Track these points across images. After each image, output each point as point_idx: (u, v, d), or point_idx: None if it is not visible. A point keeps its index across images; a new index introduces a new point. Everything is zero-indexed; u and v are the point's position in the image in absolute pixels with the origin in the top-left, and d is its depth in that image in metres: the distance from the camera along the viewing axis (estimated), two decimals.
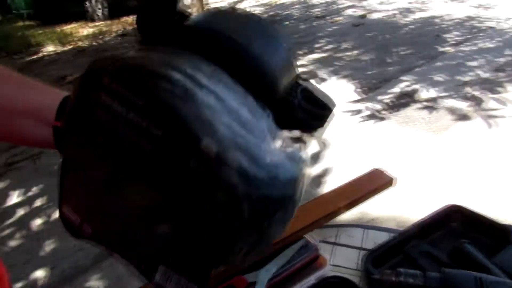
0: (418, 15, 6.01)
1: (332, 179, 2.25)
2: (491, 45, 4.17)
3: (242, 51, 0.29)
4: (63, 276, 1.86)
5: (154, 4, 0.31)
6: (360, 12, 6.13)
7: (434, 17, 5.88)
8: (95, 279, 1.80)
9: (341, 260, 0.78)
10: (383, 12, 6.07)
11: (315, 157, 2.48)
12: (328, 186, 2.19)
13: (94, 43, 6.46)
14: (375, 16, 5.91)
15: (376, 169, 0.88)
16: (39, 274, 1.90)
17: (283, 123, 0.30)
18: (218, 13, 0.32)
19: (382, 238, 0.83)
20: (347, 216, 0.85)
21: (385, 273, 0.65)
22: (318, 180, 2.27)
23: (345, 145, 2.58)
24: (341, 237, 0.84)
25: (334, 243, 0.83)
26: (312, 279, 0.70)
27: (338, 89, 3.47)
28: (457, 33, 4.93)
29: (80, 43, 6.57)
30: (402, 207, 1.81)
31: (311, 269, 0.72)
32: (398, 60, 4.09)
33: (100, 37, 6.86)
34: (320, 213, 0.77)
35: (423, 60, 4.02)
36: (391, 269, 0.67)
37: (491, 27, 4.79)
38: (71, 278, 1.85)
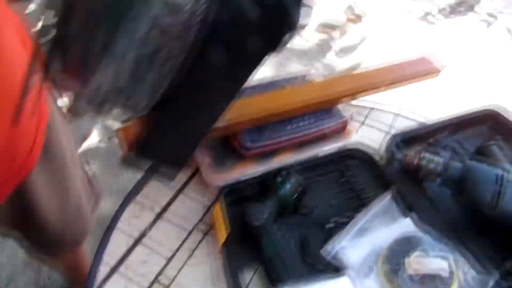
0: None
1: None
2: None
3: None
4: None
5: None
6: None
7: None
8: None
9: (366, 139, 0.79)
10: None
11: (351, 49, 2.38)
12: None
13: None
14: None
15: (424, 57, 0.84)
16: None
17: None
18: None
19: (411, 127, 0.83)
20: (381, 96, 0.83)
21: (408, 154, 0.66)
22: (350, 71, 2.21)
23: (388, 43, 2.45)
24: (370, 118, 0.84)
25: (362, 123, 0.83)
26: (335, 147, 0.72)
27: None
28: None
29: None
30: (439, 99, 1.80)
31: (336, 138, 0.74)
32: None
33: None
34: (357, 86, 0.76)
35: None
36: (414, 153, 0.67)
37: None
38: None
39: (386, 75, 0.78)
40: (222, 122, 0.67)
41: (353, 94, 0.75)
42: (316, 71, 0.83)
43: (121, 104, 0.31)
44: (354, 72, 0.80)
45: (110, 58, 0.26)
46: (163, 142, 0.33)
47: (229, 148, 0.69)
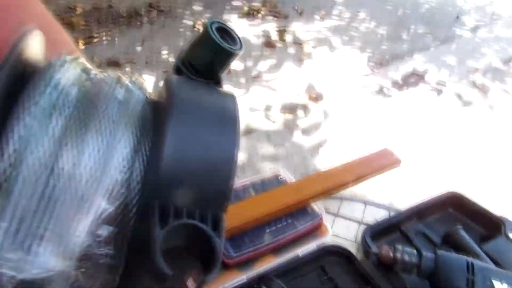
0: None
1: (330, 149, 2.29)
2: (509, 35, 4.11)
3: None
4: None
5: None
6: None
7: None
8: None
9: (341, 231, 0.83)
10: None
11: (317, 126, 2.51)
12: (325, 156, 2.24)
13: None
14: None
15: (385, 149, 0.91)
16: None
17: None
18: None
19: (381, 214, 0.88)
20: (350, 190, 0.88)
21: (383, 248, 0.70)
22: (316, 149, 2.31)
23: (350, 118, 2.61)
24: (342, 209, 0.89)
25: (336, 214, 0.87)
26: (314, 245, 0.75)
27: (350, 60, 3.44)
28: (477, 16, 4.83)
29: None
30: (403, 187, 1.88)
31: (313, 236, 0.77)
32: (414, 38, 4.03)
33: None
34: (327, 185, 0.81)
35: (439, 41, 3.97)
36: (388, 244, 0.71)
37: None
38: None
39: (353, 171, 0.84)
40: None
41: (325, 192, 0.80)
42: (285, 172, 0.88)
43: None
44: (323, 170, 0.85)
45: None
46: None
47: None
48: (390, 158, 0.88)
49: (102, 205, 0.23)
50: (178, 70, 0.29)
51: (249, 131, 2.44)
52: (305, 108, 2.71)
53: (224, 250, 0.69)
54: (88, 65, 0.28)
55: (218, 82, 0.31)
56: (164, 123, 0.23)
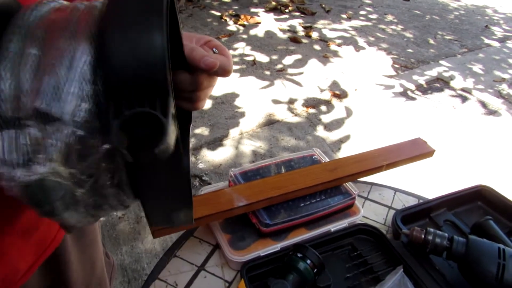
0: (470, 2, 5.79)
1: (352, 146, 2.30)
2: None
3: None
4: None
5: None
6: None
7: (487, 6, 5.66)
8: None
9: (370, 213, 0.85)
10: None
11: (339, 122, 2.52)
12: (346, 152, 2.25)
13: None
14: None
15: (419, 138, 0.92)
16: None
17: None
18: None
19: (410, 202, 0.89)
20: (380, 175, 0.90)
21: (414, 229, 0.72)
22: (338, 144, 2.32)
23: (372, 116, 2.61)
24: (372, 193, 0.91)
25: (366, 198, 0.89)
26: (345, 222, 0.77)
27: (375, 61, 3.43)
28: (506, 27, 4.77)
29: None
30: (433, 177, 1.91)
31: (345, 214, 0.79)
32: (441, 44, 4.00)
33: None
34: (360, 167, 0.83)
35: (466, 48, 3.93)
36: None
37: None
38: None
39: (385, 156, 0.85)
40: (240, 202, 0.72)
41: (358, 174, 0.82)
42: (320, 152, 0.90)
43: (108, 209, 0.34)
44: (357, 153, 0.87)
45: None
46: (160, 214, 0.37)
47: (248, 226, 0.74)
48: (423, 147, 0.90)
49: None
50: None
51: (271, 122, 2.46)
52: (328, 104, 2.72)
53: (260, 218, 0.72)
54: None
55: None
56: (103, 35, 0.27)
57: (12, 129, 0.27)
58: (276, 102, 2.67)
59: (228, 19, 4.02)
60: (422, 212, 0.83)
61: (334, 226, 0.76)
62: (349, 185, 0.82)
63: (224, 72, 0.43)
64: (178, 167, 0.32)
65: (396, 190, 0.92)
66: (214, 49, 0.46)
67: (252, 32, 3.77)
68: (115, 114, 0.26)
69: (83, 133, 0.27)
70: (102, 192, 0.31)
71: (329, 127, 2.48)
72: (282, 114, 2.55)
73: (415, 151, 0.89)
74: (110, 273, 0.83)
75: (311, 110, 2.63)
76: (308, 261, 0.65)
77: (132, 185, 0.32)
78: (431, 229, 0.71)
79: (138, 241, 1.69)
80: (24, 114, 0.27)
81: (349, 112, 2.65)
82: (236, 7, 4.40)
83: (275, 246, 0.71)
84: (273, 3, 4.51)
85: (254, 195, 0.73)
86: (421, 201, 0.88)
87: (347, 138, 2.38)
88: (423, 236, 0.70)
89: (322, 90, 2.86)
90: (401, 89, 3.02)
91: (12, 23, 0.29)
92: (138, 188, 0.32)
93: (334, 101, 2.76)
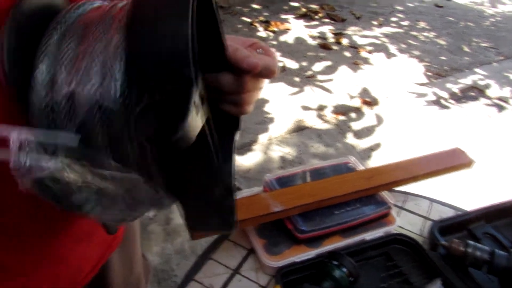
0: (508, 8, 5.62)
1: (383, 154, 2.27)
2: None
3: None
4: None
5: None
6: None
7: None
8: None
9: (405, 223, 0.84)
10: None
11: (369, 130, 2.49)
12: (377, 160, 2.22)
13: None
14: (461, 0, 5.57)
15: (457, 148, 0.91)
16: None
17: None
18: None
19: (447, 212, 0.88)
20: (416, 185, 0.89)
21: (454, 241, 0.70)
22: (368, 152, 2.30)
23: (403, 125, 2.57)
24: (408, 203, 0.89)
25: (401, 208, 0.88)
26: (381, 232, 0.77)
27: (406, 68, 3.38)
28: None
29: None
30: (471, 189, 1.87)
31: (380, 224, 0.78)
32: (476, 51, 3.90)
33: None
34: (396, 176, 0.82)
35: (503, 56, 3.82)
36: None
37: None
38: None
39: (422, 166, 0.84)
40: (276, 207, 0.73)
41: (394, 183, 0.81)
42: (355, 159, 0.90)
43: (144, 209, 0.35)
44: (393, 162, 0.86)
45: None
46: (199, 217, 0.37)
47: (283, 231, 0.74)
48: (462, 157, 0.88)
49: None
50: None
51: (300, 128, 2.46)
52: (358, 111, 2.70)
53: (296, 225, 0.72)
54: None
55: None
56: (130, 25, 0.28)
57: (44, 117, 0.29)
58: (305, 108, 2.66)
59: (258, 26, 4.05)
60: (460, 224, 0.81)
61: (369, 235, 0.76)
62: (385, 194, 0.81)
63: (269, 72, 0.41)
64: (209, 167, 0.31)
65: (432, 200, 0.91)
66: (258, 50, 0.45)
67: (282, 38, 3.78)
68: (137, 101, 0.26)
69: (109, 118, 0.28)
70: (133, 188, 0.31)
71: (359, 134, 2.46)
72: (312, 120, 2.55)
73: (453, 161, 0.87)
74: (147, 275, 0.85)
75: (341, 117, 2.62)
76: (344, 269, 0.64)
77: (168, 184, 0.32)
78: (471, 242, 0.69)
79: (168, 243, 1.72)
80: (56, 101, 0.28)
81: (379, 120, 2.61)
82: (266, 14, 4.43)
83: (310, 253, 0.71)
84: (303, 9, 4.51)
85: (290, 201, 0.73)
86: (458, 212, 0.86)
87: (377, 146, 2.35)
88: (462, 249, 0.69)
89: (352, 97, 2.84)
90: (434, 98, 2.96)
91: (54, 20, 0.31)
92: (173, 187, 0.32)
93: (365, 109, 2.74)
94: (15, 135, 0.27)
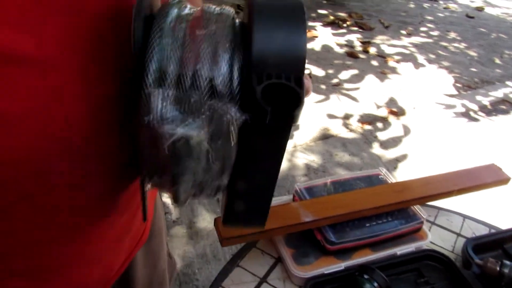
0: None
1: (409, 165, 2.23)
2: None
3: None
4: None
5: None
6: (477, 3, 5.67)
7: None
8: None
9: (437, 239, 0.82)
10: (503, 8, 5.57)
11: (396, 140, 2.46)
12: (403, 171, 2.18)
13: None
14: (493, 11, 5.44)
15: (493, 164, 0.88)
16: None
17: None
18: None
19: (480, 230, 0.85)
20: (449, 201, 0.87)
21: (489, 260, 0.68)
22: (394, 163, 2.26)
23: (431, 137, 2.52)
24: (440, 219, 0.87)
25: (432, 223, 0.86)
26: (412, 247, 0.75)
27: (435, 79, 3.32)
28: None
29: None
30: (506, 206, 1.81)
31: (411, 238, 0.77)
32: (508, 64, 3.80)
33: None
34: (429, 191, 0.81)
35: None
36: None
37: None
38: None
39: (456, 181, 0.82)
40: (307, 217, 0.72)
41: (427, 197, 0.79)
42: (386, 172, 0.88)
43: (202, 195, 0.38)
44: (426, 176, 0.84)
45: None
46: (240, 209, 0.40)
47: (312, 242, 0.74)
48: (497, 174, 0.85)
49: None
50: None
51: (326, 137, 2.45)
52: (384, 121, 2.66)
53: (326, 236, 0.72)
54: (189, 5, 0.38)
55: None
56: (251, 24, 0.32)
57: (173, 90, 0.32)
58: (331, 116, 2.65)
59: None
60: (495, 243, 0.78)
61: (400, 250, 0.74)
62: (417, 208, 0.79)
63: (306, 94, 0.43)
64: (278, 161, 0.36)
65: (465, 216, 0.88)
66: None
67: (309, 45, 3.78)
68: (258, 82, 0.31)
69: (228, 100, 0.32)
70: (211, 170, 0.34)
71: (385, 144, 2.42)
72: (337, 129, 2.53)
73: (488, 177, 0.85)
74: (171, 273, 0.86)
75: (367, 127, 2.59)
76: (375, 284, 0.63)
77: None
78: (508, 262, 0.67)
79: (190, 246, 1.73)
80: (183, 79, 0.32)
81: (406, 131, 2.57)
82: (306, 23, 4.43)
83: (339, 265, 0.70)
84: (331, 17, 4.50)
85: (320, 211, 0.73)
86: (493, 230, 0.84)
87: (404, 157, 2.31)
88: (498, 269, 0.67)
89: (378, 107, 2.81)
90: (463, 110, 2.89)
91: (157, 22, 0.34)
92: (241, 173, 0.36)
93: (391, 118, 2.70)
94: (158, 92, 0.31)
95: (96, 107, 0.36)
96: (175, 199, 0.38)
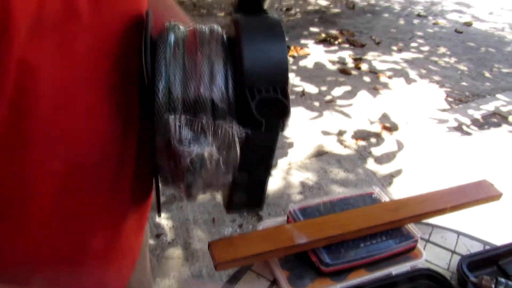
0: None
1: (404, 180, 2.24)
2: None
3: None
4: None
5: None
6: (466, 18, 5.78)
7: None
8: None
9: (432, 257, 0.82)
10: (491, 23, 5.68)
11: (390, 156, 2.47)
12: (398, 186, 2.19)
13: None
14: (481, 26, 5.54)
15: (485, 180, 0.89)
16: None
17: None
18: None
19: (475, 247, 0.85)
20: (442, 218, 0.87)
21: (484, 278, 0.68)
22: (389, 178, 2.27)
23: (424, 151, 2.53)
24: (434, 236, 0.88)
25: (427, 240, 0.86)
26: (407, 266, 0.75)
27: (427, 94, 3.36)
28: None
29: None
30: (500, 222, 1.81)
31: (406, 257, 0.77)
32: (497, 77, 3.86)
33: None
34: (423, 209, 0.81)
35: None
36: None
37: None
38: None
39: (449, 198, 0.83)
40: (301, 239, 0.72)
41: (420, 215, 0.79)
42: (380, 191, 0.89)
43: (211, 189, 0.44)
44: (419, 194, 0.85)
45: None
46: (239, 196, 0.46)
47: (307, 263, 0.73)
48: (489, 190, 0.86)
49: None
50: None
51: (320, 154, 2.45)
52: (378, 136, 2.68)
53: (320, 257, 0.71)
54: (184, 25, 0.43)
55: (265, 12, 0.43)
56: (239, 45, 0.37)
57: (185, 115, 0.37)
58: (325, 133, 2.66)
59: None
60: (490, 259, 0.78)
61: (395, 269, 0.74)
62: (411, 227, 0.80)
63: None
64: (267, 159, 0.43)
65: (459, 233, 0.88)
66: None
67: (302, 63, 3.82)
68: (251, 97, 0.36)
69: (226, 115, 0.38)
70: (218, 173, 0.40)
71: (379, 160, 2.43)
72: (331, 145, 2.54)
73: (480, 193, 0.85)
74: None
75: (361, 142, 2.60)
76: None
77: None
78: (502, 279, 0.67)
79: (185, 267, 1.71)
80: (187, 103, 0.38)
81: (400, 146, 2.59)
82: (286, 39, 4.49)
83: (335, 287, 0.70)
84: (323, 35, 4.56)
85: (314, 233, 0.73)
86: (487, 247, 0.84)
87: (398, 172, 2.32)
88: (493, 286, 0.67)
89: (372, 122, 2.83)
90: (456, 124, 2.92)
91: (160, 51, 0.39)
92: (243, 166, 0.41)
93: (385, 134, 2.72)
94: (174, 118, 0.36)
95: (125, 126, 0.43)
96: (187, 197, 0.44)
